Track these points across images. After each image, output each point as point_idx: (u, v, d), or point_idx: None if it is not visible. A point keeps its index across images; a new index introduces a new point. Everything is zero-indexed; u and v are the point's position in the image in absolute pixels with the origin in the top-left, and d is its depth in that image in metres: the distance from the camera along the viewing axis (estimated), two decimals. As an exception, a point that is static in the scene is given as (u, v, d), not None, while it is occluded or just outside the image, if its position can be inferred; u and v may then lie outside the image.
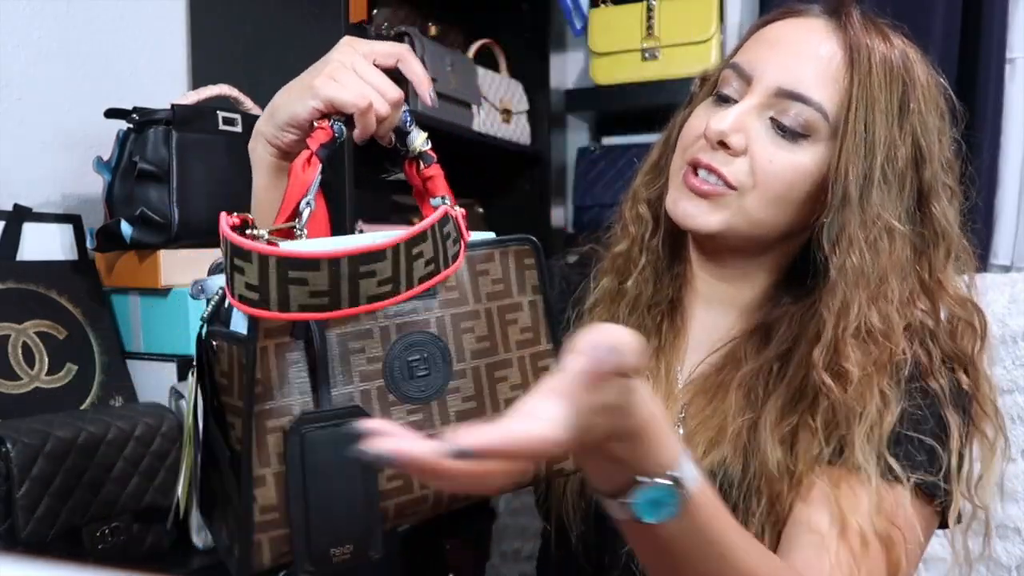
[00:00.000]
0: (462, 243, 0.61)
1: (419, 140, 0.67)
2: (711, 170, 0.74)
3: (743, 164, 0.74)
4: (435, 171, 0.66)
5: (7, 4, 1.16)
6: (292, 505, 0.55)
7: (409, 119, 0.67)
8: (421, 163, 0.66)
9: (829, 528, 0.66)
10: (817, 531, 0.66)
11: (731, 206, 0.74)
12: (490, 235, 0.68)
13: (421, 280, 0.56)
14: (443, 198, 0.65)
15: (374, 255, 0.52)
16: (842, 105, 0.72)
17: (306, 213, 0.60)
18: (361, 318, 0.59)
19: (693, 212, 0.75)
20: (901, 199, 0.72)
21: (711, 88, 0.80)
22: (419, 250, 0.55)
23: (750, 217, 0.74)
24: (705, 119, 0.75)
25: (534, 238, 0.67)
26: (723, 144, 0.73)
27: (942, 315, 0.74)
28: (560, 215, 2.32)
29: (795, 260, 0.81)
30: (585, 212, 2.08)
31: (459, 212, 0.63)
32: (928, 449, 0.69)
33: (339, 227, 1.30)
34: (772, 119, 0.73)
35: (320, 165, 0.63)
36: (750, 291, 0.81)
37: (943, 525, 0.71)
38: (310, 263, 0.51)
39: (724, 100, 0.77)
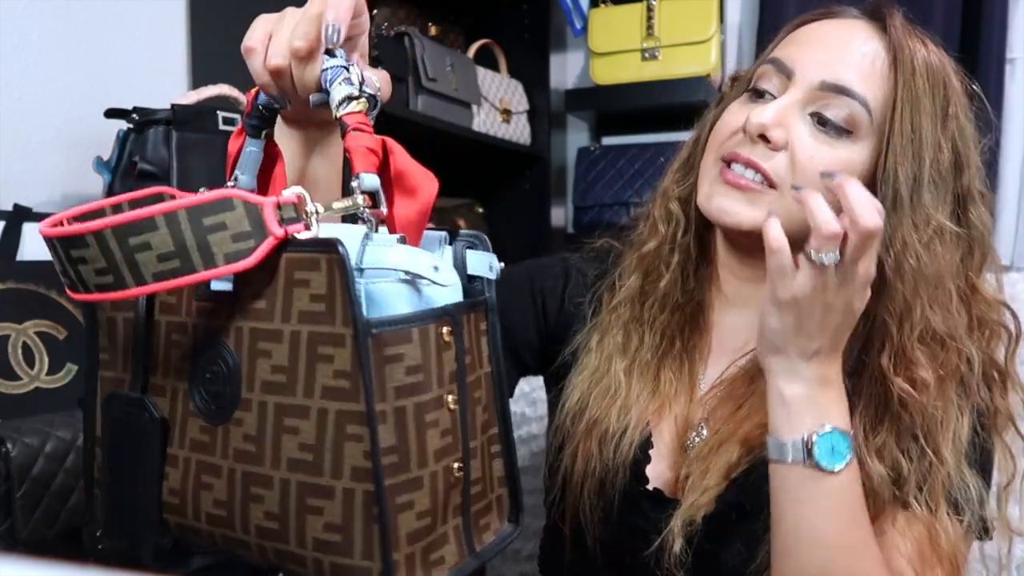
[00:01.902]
0: (267, 240, 0.46)
1: (335, 101, 0.52)
2: (750, 164, 0.72)
3: (783, 159, 0.71)
4: (353, 143, 0.50)
5: (7, 4, 1.16)
6: (103, 474, 0.56)
7: (333, 77, 0.53)
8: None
9: (913, 557, 0.69)
10: (904, 556, 0.69)
11: (772, 204, 0.72)
12: (344, 231, 0.47)
13: (157, 277, 0.46)
14: (356, 177, 0.49)
15: (139, 225, 0.45)
16: (886, 104, 0.70)
17: (230, 186, 0.55)
18: (182, 310, 0.52)
19: (728, 207, 0.73)
20: (946, 203, 0.71)
21: (745, 85, 0.78)
22: (143, 240, 0.46)
23: (789, 214, 0.70)
24: (742, 114, 0.73)
25: (344, 246, 0.44)
26: (763, 138, 0.71)
27: (974, 321, 0.73)
28: (560, 215, 2.32)
29: None
30: (585, 212, 2.08)
31: (275, 200, 0.47)
32: (978, 474, 0.71)
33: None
34: (814, 114, 0.72)
35: (246, 138, 0.56)
36: None
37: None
38: (78, 240, 0.47)
39: (761, 95, 0.75)
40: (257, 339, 0.49)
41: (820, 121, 0.71)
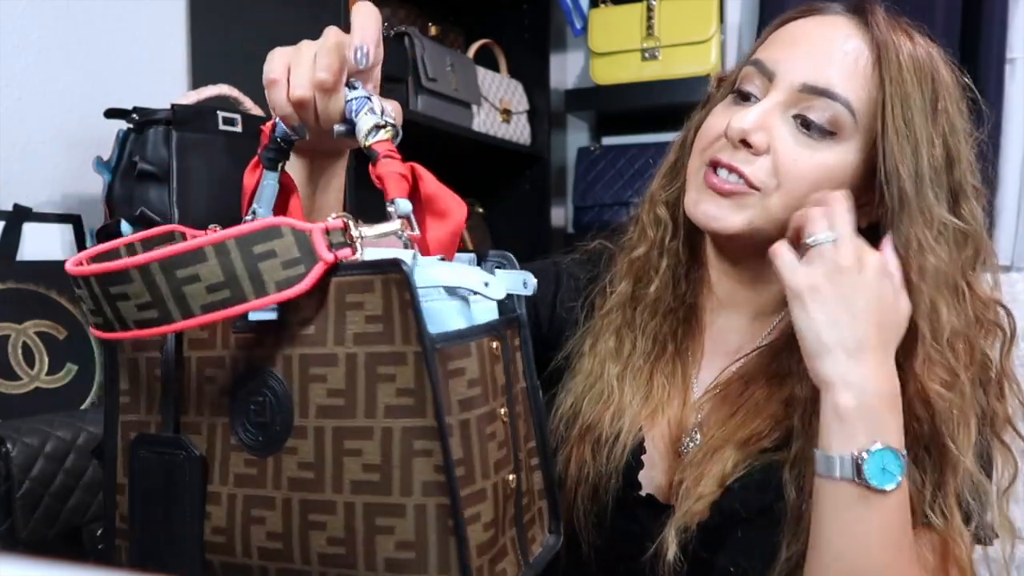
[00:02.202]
0: (317, 265, 0.47)
1: (362, 131, 0.53)
2: (732, 169, 0.72)
3: (765, 163, 0.71)
4: (384, 169, 0.51)
5: (7, 4, 1.16)
6: (131, 522, 0.53)
7: (358, 108, 0.55)
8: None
9: (936, 570, 0.68)
10: (928, 571, 0.68)
11: (754, 206, 0.72)
12: (395, 254, 0.47)
13: (206, 309, 0.46)
14: (391, 203, 0.50)
15: (187, 256, 0.46)
16: (871, 103, 0.70)
17: (248, 220, 0.55)
18: (217, 344, 0.51)
19: (714, 212, 0.73)
20: (943, 199, 0.70)
21: (730, 87, 0.78)
22: (191, 273, 0.46)
23: (773, 218, 0.72)
24: (725, 118, 0.73)
25: (408, 265, 0.45)
26: (745, 143, 0.71)
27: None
28: (560, 215, 2.32)
29: None
30: (585, 212, 2.08)
31: (323, 226, 0.47)
32: (982, 480, 0.70)
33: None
34: (797, 116, 0.71)
35: (263, 171, 0.57)
36: (767, 294, 0.79)
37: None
38: (122, 275, 0.46)
39: (745, 98, 0.74)
40: (309, 365, 0.48)
41: (803, 123, 0.71)
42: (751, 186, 0.71)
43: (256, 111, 1.23)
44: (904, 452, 0.63)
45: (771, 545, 0.69)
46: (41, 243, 1.09)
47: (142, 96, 1.21)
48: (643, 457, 0.77)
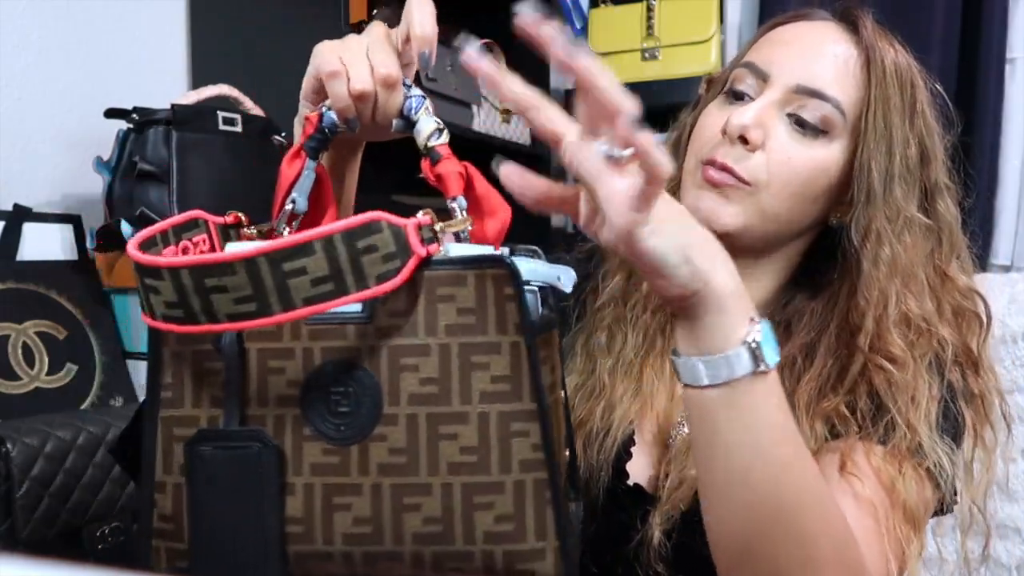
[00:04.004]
0: (412, 259, 0.49)
1: (424, 132, 0.57)
2: (726, 169, 0.73)
3: (760, 159, 0.73)
4: (446, 169, 0.56)
5: (7, 4, 1.16)
6: (188, 522, 0.52)
7: (417, 106, 0.57)
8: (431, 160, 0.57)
9: (877, 501, 0.67)
10: (861, 499, 0.67)
11: (746, 200, 0.74)
12: (481, 250, 0.52)
13: (308, 302, 0.47)
14: (453, 199, 0.55)
15: (296, 250, 0.47)
16: (860, 103, 0.73)
17: (288, 210, 0.56)
18: (284, 335, 0.51)
19: (713, 208, 0.74)
20: (914, 196, 0.75)
21: (720, 88, 0.80)
22: (298, 266, 0.47)
23: (765, 213, 0.74)
24: (721, 117, 0.75)
25: (513, 261, 0.51)
26: (743, 139, 0.73)
27: (947, 309, 0.76)
28: (560, 215, 2.32)
29: (801, 262, 0.81)
30: (585, 212, 2.08)
31: (416, 221, 0.50)
32: (949, 443, 0.71)
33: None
34: (791, 115, 0.74)
35: (306, 160, 0.58)
36: (757, 291, 0.80)
37: (937, 513, 0.74)
38: (224, 267, 0.47)
39: (739, 97, 0.76)
40: (399, 355, 0.51)
41: (798, 122, 0.74)
42: (742, 181, 0.73)
43: (256, 111, 1.23)
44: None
45: None
46: (41, 243, 1.09)
47: (142, 96, 1.21)
48: (632, 449, 0.78)
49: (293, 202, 0.58)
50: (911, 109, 0.75)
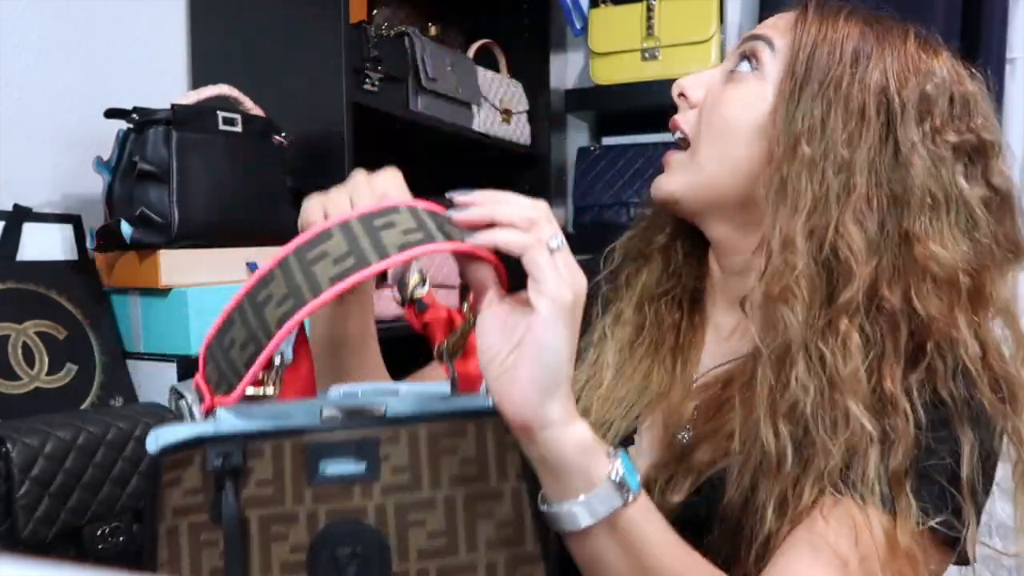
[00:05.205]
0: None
1: (411, 283, 0.60)
2: (674, 127, 0.78)
3: (695, 113, 0.77)
4: (432, 316, 0.59)
5: (7, 4, 1.16)
6: None
7: None
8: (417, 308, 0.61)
9: (846, 552, 0.60)
10: (830, 548, 0.60)
11: (685, 165, 0.76)
12: (479, 401, 0.53)
13: (401, 248, 0.50)
14: (441, 345, 0.58)
15: (386, 212, 0.50)
16: (790, 56, 0.71)
17: (275, 363, 0.55)
18: (286, 499, 0.50)
19: (658, 183, 0.78)
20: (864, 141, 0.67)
21: None
22: (388, 220, 0.51)
23: (703, 170, 0.74)
24: None
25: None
26: (683, 97, 0.78)
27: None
28: (560, 215, 2.32)
29: None
30: (585, 212, 2.08)
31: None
32: (943, 481, 0.62)
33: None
34: (731, 71, 0.76)
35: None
36: (747, 277, 0.78)
37: (963, 561, 0.65)
38: (323, 235, 0.50)
39: None
40: (406, 511, 0.51)
41: (731, 72, 0.75)
42: (686, 143, 0.76)
43: (256, 111, 1.23)
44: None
45: (738, 544, 0.67)
46: (41, 243, 1.08)
47: (142, 96, 1.21)
48: (631, 448, 0.77)
49: (280, 354, 0.57)
50: (854, 56, 0.69)
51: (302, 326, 0.59)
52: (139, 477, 0.93)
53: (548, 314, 0.50)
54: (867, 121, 0.67)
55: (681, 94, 0.77)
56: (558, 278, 0.51)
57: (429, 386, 0.54)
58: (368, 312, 0.75)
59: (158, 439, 0.49)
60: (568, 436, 0.52)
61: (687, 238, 0.83)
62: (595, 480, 0.53)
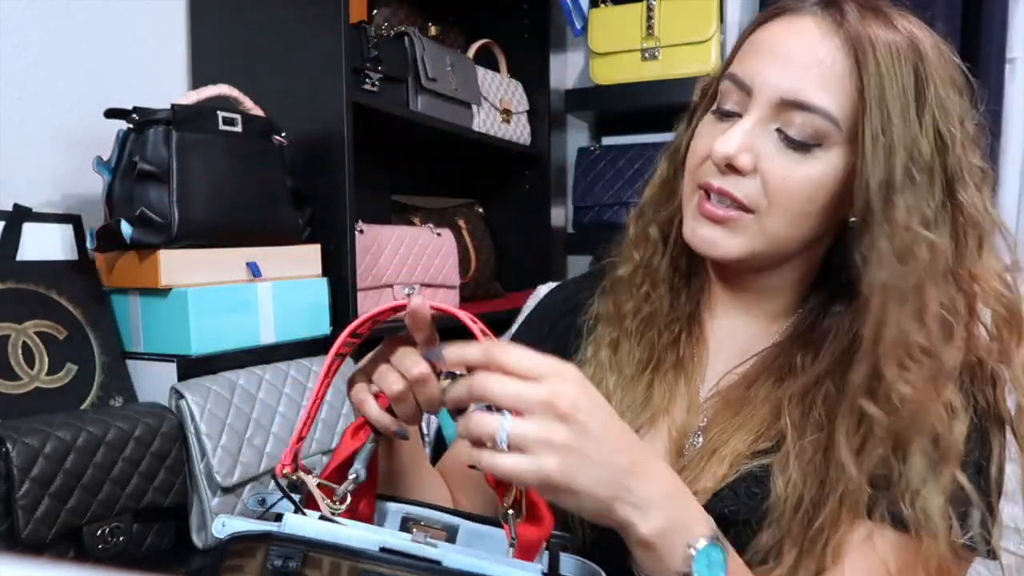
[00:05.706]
0: None
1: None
2: (723, 194, 0.71)
3: (755, 184, 0.70)
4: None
5: (7, 4, 1.16)
6: None
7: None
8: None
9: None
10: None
11: (750, 228, 0.71)
12: (524, 567, 0.55)
13: None
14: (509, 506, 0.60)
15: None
16: (854, 107, 0.68)
17: (351, 479, 0.62)
18: None
19: (713, 239, 0.72)
20: (932, 195, 0.66)
21: (711, 102, 0.77)
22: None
23: (771, 236, 0.71)
24: (710, 139, 0.72)
25: None
26: (731, 167, 0.70)
27: (982, 313, 0.70)
28: (560, 215, 2.32)
29: (822, 263, 0.79)
30: (585, 212, 2.08)
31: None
32: (978, 492, 0.66)
33: (340, 227, 1.30)
34: (778, 131, 0.70)
35: (371, 434, 0.65)
36: (775, 300, 0.80)
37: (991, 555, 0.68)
38: None
39: (727, 116, 0.73)
40: None
41: (786, 139, 0.69)
42: (745, 208, 0.71)
43: (256, 111, 1.23)
44: (715, 527, 0.59)
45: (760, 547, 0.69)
46: (41, 243, 1.08)
47: (142, 96, 1.21)
48: None
49: (356, 473, 0.63)
50: (917, 98, 0.67)
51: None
52: (139, 477, 0.93)
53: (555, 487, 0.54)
54: (931, 167, 0.68)
55: (729, 164, 0.70)
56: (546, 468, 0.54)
57: (488, 533, 0.60)
58: (416, 442, 0.77)
59: (225, 525, 0.55)
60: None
61: (684, 262, 0.83)
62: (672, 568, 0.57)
